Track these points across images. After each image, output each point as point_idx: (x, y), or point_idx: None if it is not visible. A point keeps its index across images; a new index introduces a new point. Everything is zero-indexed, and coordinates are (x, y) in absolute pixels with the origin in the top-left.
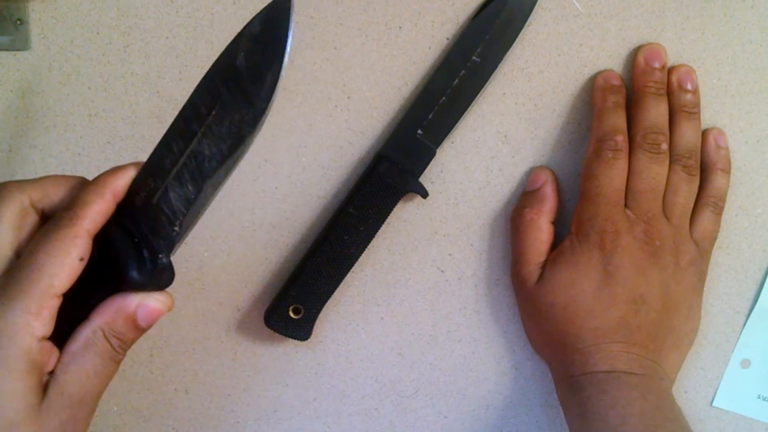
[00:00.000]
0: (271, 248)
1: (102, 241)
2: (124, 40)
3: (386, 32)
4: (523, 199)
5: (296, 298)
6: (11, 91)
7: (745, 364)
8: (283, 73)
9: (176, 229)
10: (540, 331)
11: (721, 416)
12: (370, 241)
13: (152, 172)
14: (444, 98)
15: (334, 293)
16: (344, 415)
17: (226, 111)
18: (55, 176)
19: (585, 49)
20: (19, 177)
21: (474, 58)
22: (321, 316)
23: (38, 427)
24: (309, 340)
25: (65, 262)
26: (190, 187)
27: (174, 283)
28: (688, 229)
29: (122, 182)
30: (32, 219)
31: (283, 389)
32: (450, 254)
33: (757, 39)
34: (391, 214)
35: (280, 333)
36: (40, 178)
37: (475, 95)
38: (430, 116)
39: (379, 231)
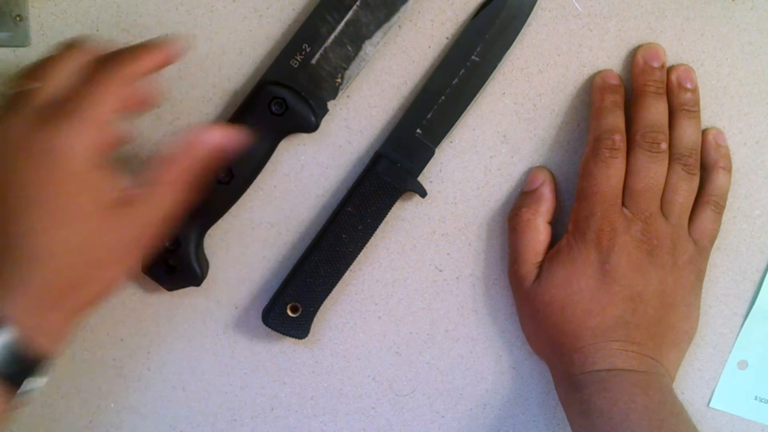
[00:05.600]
0: (270, 246)
1: (268, 101)
2: (123, 37)
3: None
4: (521, 199)
5: (294, 296)
6: None
7: (742, 365)
8: None
9: (338, 80)
10: (538, 330)
11: (717, 417)
12: (368, 240)
13: (307, 40)
14: (443, 97)
15: (332, 292)
16: (341, 413)
17: None
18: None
19: (584, 49)
20: None
21: (473, 57)
22: (319, 314)
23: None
24: (306, 338)
25: None
26: (349, 48)
27: None
28: (686, 228)
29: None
30: None
31: (281, 387)
32: (448, 253)
33: (756, 40)
34: (390, 213)
35: (278, 331)
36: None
37: (475, 95)
38: (429, 115)
39: (378, 230)
